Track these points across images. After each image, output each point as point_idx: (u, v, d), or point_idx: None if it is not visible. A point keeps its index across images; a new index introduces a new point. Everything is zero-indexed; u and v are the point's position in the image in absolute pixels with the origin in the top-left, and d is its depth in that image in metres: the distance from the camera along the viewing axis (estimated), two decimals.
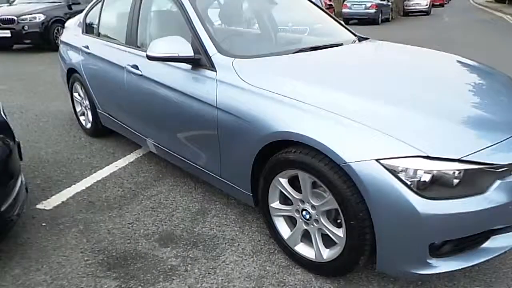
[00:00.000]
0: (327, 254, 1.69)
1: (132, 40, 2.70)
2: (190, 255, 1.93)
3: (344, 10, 15.82)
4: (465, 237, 1.49)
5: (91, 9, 3.38)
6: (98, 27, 3.20)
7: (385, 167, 1.39)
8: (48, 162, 3.05)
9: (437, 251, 1.48)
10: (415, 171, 1.37)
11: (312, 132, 1.55)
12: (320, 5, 6.54)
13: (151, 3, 2.65)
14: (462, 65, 2.30)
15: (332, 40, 2.60)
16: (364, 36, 2.88)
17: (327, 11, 3.10)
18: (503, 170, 1.44)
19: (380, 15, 15.70)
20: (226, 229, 2.15)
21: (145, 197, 2.50)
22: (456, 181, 1.41)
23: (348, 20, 15.94)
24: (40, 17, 8.68)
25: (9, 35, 8.50)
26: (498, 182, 1.43)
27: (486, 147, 1.44)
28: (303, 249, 1.80)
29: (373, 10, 15.10)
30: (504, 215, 1.48)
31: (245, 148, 1.87)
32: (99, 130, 3.41)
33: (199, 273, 1.81)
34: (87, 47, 3.18)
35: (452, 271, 1.49)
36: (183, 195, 2.51)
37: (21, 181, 2.05)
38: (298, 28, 2.99)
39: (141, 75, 2.48)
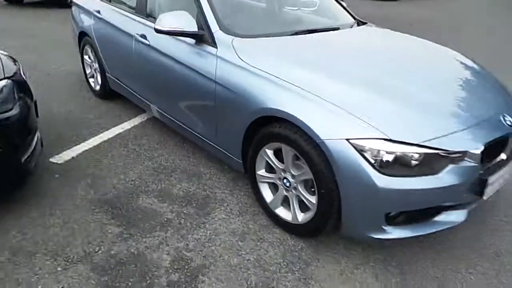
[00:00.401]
0: (301, 217, 1.95)
1: (142, 10, 2.86)
2: (184, 211, 2.21)
3: None
4: (419, 210, 1.73)
5: None
6: None
7: (353, 146, 1.61)
8: (60, 120, 3.29)
9: (393, 220, 1.73)
10: (378, 151, 1.59)
11: (294, 111, 1.77)
12: None
13: None
14: (446, 58, 2.44)
15: (331, 23, 2.75)
16: (363, 20, 3.01)
17: None
18: (456, 156, 1.65)
19: None
20: (218, 191, 2.41)
21: (147, 158, 2.75)
22: (415, 162, 1.63)
23: None
24: None
25: None
26: (450, 166, 1.65)
27: (443, 135, 1.65)
28: (282, 212, 2.07)
29: None
30: (453, 194, 1.71)
31: (238, 120, 2.08)
32: (107, 93, 3.62)
33: (191, 226, 2.09)
34: (98, 11, 3.33)
35: (404, 238, 1.75)
36: (181, 159, 2.76)
37: (37, 136, 2.30)
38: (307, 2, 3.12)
39: (149, 45, 2.66)
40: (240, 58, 2.08)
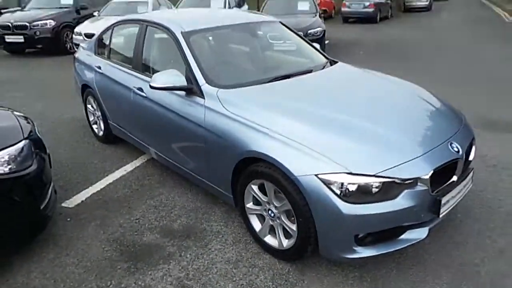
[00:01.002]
0: (286, 243, 2.23)
1: (138, 66, 3.24)
2: (184, 244, 2.49)
3: (343, 9, 16.16)
4: (384, 230, 2.02)
5: (103, 34, 3.90)
6: (109, 50, 3.73)
7: (321, 180, 1.92)
8: (68, 167, 3.61)
9: (362, 241, 2.01)
10: (342, 183, 1.90)
11: (272, 153, 2.08)
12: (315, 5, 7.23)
13: (154, 35, 3.17)
14: (406, 93, 2.77)
15: (305, 65, 3.12)
16: (335, 60, 3.38)
17: (300, 34, 3.59)
18: (409, 183, 1.96)
19: (378, 14, 16.02)
20: (214, 223, 2.70)
21: (149, 197, 3.05)
22: (375, 190, 1.94)
23: (348, 18, 16.30)
24: (51, 23, 9.23)
25: (22, 40, 9.08)
26: (405, 191, 1.96)
27: (396, 166, 1.96)
28: (270, 240, 2.35)
29: (371, 9, 15.42)
30: (410, 215, 2.00)
31: (226, 161, 2.40)
32: (110, 138, 3.96)
33: (190, 257, 2.36)
34: (99, 67, 3.71)
35: (373, 256, 2.03)
36: (180, 196, 3.06)
37: (52, 185, 2.61)
38: (286, 45, 3.52)
39: (146, 96, 3.01)
40: (225, 108, 2.42)
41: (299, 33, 3.68)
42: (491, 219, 2.66)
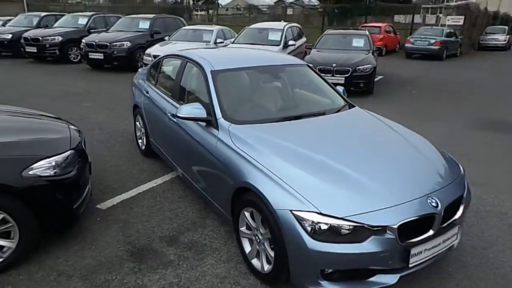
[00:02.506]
0: (266, 267, 2.48)
1: (175, 94, 3.75)
2: (184, 255, 2.84)
3: (406, 45, 15.96)
4: (352, 270, 2.19)
5: (154, 63, 4.53)
6: (157, 79, 4.33)
7: (294, 216, 2.17)
8: (111, 173, 4.20)
9: (329, 276, 2.20)
10: (312, 221, 2.13)
11: (260, 185, 2.38)
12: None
13: (190, 70, 3.67)
14: (405, 144, 2.88)
15: (319, 108, 3.39)
16: (352, 104, 3.60)
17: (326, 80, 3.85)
18: (377, 230, 2.12)
19: (445, 51, 15.55)
20: (215, 241, 3.02)
21: (168, 209, 3.48)
22: (346, 231, 2.13)
23: (411, 54, 16.03)
24: (127, 44, 10.49)
25: (102, 57, 10.43)
26: (373, 237, 2.13)
27: (366, 212, 2.14)
28: (256, 262, 2.61)
29: (437, 47, 15.06)
30: (377, 260, 2.15)
31: (228, 187, 2.73)
32: (150, 153, 4.51)
33: (186, 267, 2.70)
34: (147, 92, 4.32)
35: None
36: (194, 212, 3.44)
37: (88, 188, 3.14)
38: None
39: (176, 122, 3.49)
40: (232, 141, 2.78)
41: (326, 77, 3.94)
42: (483, 279, 2.65)
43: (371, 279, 2.24)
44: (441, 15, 24.55)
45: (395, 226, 2.13)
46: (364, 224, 2.11)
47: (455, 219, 2.42)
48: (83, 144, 3.16)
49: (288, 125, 3.01)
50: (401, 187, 2.35)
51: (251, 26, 10.65)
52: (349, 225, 2.11)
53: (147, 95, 4.28)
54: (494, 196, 3.86)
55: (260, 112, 3.25)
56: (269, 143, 2.70)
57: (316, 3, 32.71)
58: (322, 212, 2.13)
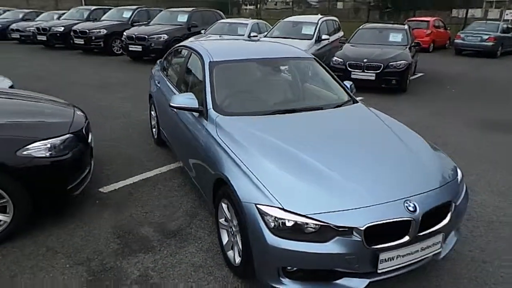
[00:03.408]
0: (238, 260, 2.46)
1: (179, 84, 3.81)
2: (167, 242, 2.90)
3: (456, 41, 14.90)
4: (317, 270, 2.11)
5: (167, 55, 4.63)
6: (167, 70, 4.43)
7: (258, 210, 2.12)
8: (122, 159, 4.38)
9: (291, 274, 2.13)
10: (275, 217, 2.07)
11: (232, 178, 2.36)
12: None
13: (193, 61, 3.70)
14: (395, 142, 2.71)
15: (317, 103, 3.28)
16: (356, 100, 3.44)
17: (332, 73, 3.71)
18: (342, 230, 2.02)
19: (500, 48, 14.31)
20: (201, 230, 3.05)
21: (164, 197, 3.56)
22: (311, 230, 2.05)
23: (461, 51, 14.96)
24: (164, 37, 10.83)
25: (140, 49, 10.86)
26: (337, 237, 2.03)
27: (333, 211, 2.04)
28: (230, 254, 2.59)
29: (490, 43, 13.90)
30: (341, 262, 2.05)
31: (210, 178, 2.74)
32: (161, 142, 4.64)
33: (165, 254, 2.76)
34: (159, 82, 4.43)
35: None
36: (189, 201, 3.50)
37: (89, 171, 3.30)
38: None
39: (175, 112, 3.55)
40: (217, 132, 2.78)
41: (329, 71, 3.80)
42: None
43: (338, 281, 2.14)
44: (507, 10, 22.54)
45: (362, 228, 2.01)
46: (328, 223, 2.02)
47: (439, 227, 2.23)
48: (84, 129, 3.31)
49: (277, 119, 2.94)
50: (377, 188, 2.21)
51: (286, 20, 10.52)
52: (314, 224, 2.03)
53: (158, 85, 4.40)
54: None
55: (253, 104, 3.21)
56: (250, 135, 2.66)
57: None
58: (285, 208, 2.07)
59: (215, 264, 2.66)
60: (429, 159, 2.55)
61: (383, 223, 2.06)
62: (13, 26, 15.66)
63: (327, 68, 3.79)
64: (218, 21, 11.66)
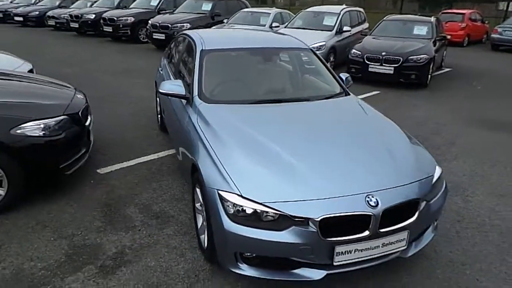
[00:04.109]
0: (206, 244, 2.52)
1: (176, 71, 3.90)
2: (149, 223, 3.01)
3: (493, 35, 14.08)
4: (274, 258, 2.14)
5: (172, 43, 4.72)
6: (169, 57, 4.53)
7: (219, 196, 2.17)
8: (125, 143, 4.55)
9: (249, 260, 2.17)
10: (234, 203, 2.11)
11: (201, 163, 2.42)
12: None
13: (188, 51, 3.76)
14: (372, 135, 2.67)
15: (304, 94, 3.26)
16: (348, 92, 3.39)
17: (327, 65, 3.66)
18: (298, 220, 2.03)
19: None
20: (183, 214, 3.14)
21: (155, 180, 3.68)
22: (270, 218, 2.08)
23: (498, 46, 14.14)
24: (187, 26, 10.97)
25: (163, 37, 11.05)
26: (293, 227, 2.04)
27: (290, 201, 2.05)
28: (202, 238, 2.66)
29: None
30: (296, 252, 2.07)
31: (188, 163, 2.81)
32: (164, 127, 4.77)
33: (144, 234, 2.87)
34: (161, 69, 4.55)
35: (257, 277, 2.17)
36: (178, 186, 3.60)
37: (85, 152, 3.47)
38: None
39: (170, 99, 3.64)
40: (197, 119, 2.84)
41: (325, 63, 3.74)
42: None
43: (296, 270, 2.17)
44: None
45: (317, 219, 2.01)
46: (284, 212, 2.04)
47: (404, 225, 2.19)
48: (81, 112, 3.46)
49: (259, 108, 2.96)
50: (340, 181, 2.19)
51: (307, 10, 10.35)
52: (272, 212, 2.05)
53: (161, 72, 4.51)
54: (511, 210, 3.36)
55: (238, 93, 3.24)
56: (226, 123, 2.70)
57: None
58: (243, 195, 2.10)
59: (189, 247, 2.74)
60: (403, 155, 2.48)
61: (341, 216, 2.05)
62: (50, 13, 16.39)
63: (323, 59, 3.73)
64: (241, 11, 11.65)
